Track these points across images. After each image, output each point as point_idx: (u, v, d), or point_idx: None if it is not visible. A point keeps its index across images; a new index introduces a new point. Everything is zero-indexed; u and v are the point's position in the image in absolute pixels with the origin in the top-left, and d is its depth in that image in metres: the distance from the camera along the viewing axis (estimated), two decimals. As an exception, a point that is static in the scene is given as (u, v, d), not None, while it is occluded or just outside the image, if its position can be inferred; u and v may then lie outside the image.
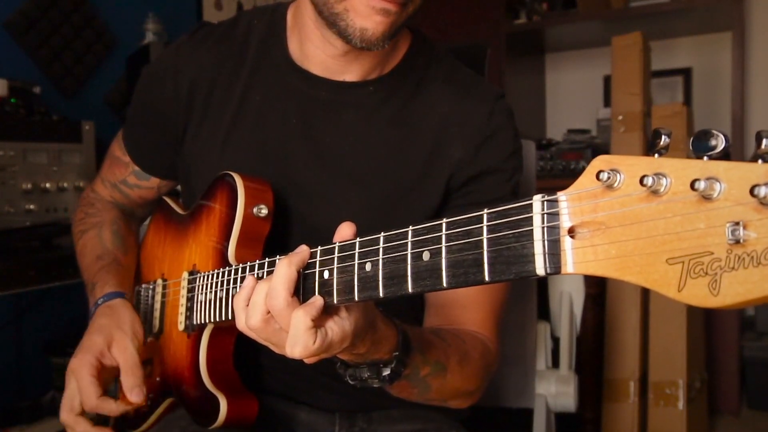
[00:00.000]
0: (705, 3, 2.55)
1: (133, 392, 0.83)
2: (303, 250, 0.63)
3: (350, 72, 0.89)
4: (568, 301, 2.51)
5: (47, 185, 1.60)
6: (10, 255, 1.34)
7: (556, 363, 2.23)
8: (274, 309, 0.61)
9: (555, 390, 2.03)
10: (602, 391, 2.13)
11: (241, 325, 0.66)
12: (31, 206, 1.56)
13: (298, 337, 0.59)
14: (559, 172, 2.51)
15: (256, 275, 0.72)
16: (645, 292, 2.16)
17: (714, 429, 2.39)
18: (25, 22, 2.10)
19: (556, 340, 2.33)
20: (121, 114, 2.39)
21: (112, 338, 0.86)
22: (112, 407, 0.84)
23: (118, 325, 0.88)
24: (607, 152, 2.48)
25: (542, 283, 2.49)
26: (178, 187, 1.09)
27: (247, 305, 0.65)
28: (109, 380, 0.88)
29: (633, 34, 2.23)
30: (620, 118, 2.22)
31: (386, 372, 0.71)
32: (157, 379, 0.96)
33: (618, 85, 2.25)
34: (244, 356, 0.91)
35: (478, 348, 0.85)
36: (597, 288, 2.07)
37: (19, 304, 2.02)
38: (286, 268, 0.61)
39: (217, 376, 0.85)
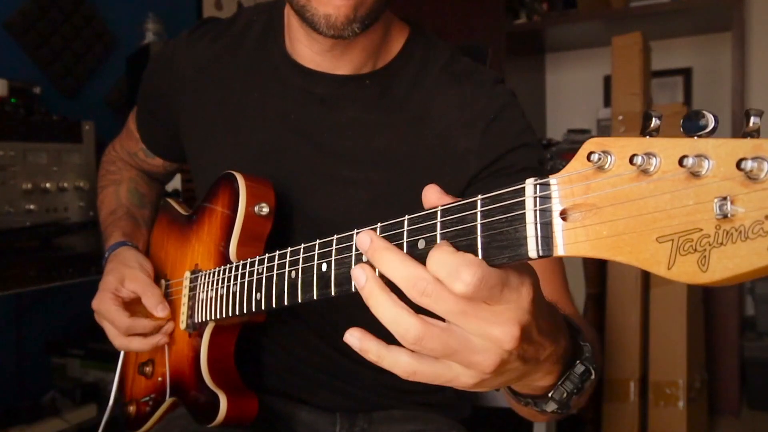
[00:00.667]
0: (705, 3, 2.55)
1: (158, 308, 0.90)
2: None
3: (341, 67, 0.89)
4: (568, 301, 2.51)
5: (47, 185, 1.59)
6: (10, 255, 1.34)
7: (556, 363, 2.24)
8: (427, 289, 0.45)
9: (555, 390, 2.03)
10: (602, 391, 2.13)
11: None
12: (31, 206, 1.56)
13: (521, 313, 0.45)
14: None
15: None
16: (645, 292, 2.16)
17: (714, 429, 2.39)
18: (25, 22, 2.10)
19: (556, 340, 2.34)
20: (121, 114, 2.39)
21: (122, 275, 0.92)
22: (144, 323, 0.90)
23: (125, 264, 0.94)
24: (607, 152, 2.48)
25: (542, 283, 2.49)
26: (180, 188, 1.10)
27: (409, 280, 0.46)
28: (132, 308, 0.93)
29: (633, 34, 2.23)
30: (620, 118, 2.22)
31: (586, 364, 0.55)
32: (159, 379, 0.96)
33: (618, 85, 2.25)
34: (245, 355, 0.91)
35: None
36: (597, 288, 2.07)
37: (19, 304, 2.02)
38: (391, 252, 0.48)
39: (217, 374, 0.85)
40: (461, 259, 0.44)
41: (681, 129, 0.37)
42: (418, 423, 0.95)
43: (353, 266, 0.52)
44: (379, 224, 0.55)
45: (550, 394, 0.56)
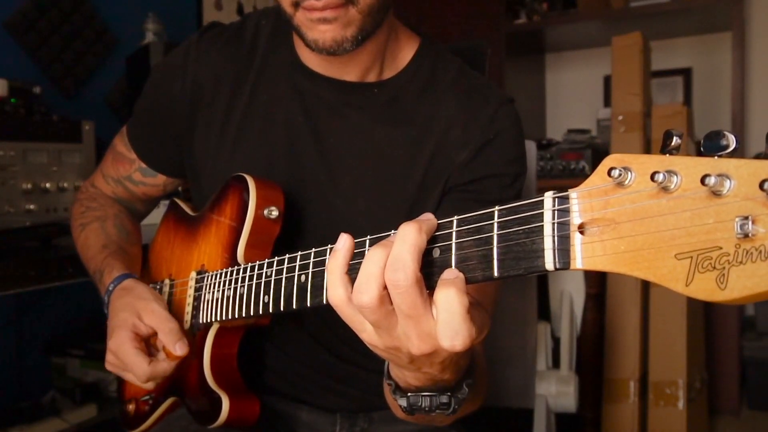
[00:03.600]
0: (705, 3, 2.55)
1: (177, 347, 0.82)
2: (431, 218, 0.52)
3: (349, 72, 0.89)
4: (569, 301, 2.51)
5: (47, 185, 1.59)
6: (10, 255, 1.34)
7: (556, 363, 2.23)
8: (398, 284, 0.48)
9: (555, 390, 2.03)
10: (602, 391, 2.13)
11: (337, 298, 0.53)
12: (31, 206, 1.56)
13: (458, 325, 0.48)
14: (559, 172, 2.51)
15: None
16: (645, 292, 2.16)
17: (714, 429, 2.39)
18: (25, 22, 2.10)
19: (556, 340, 2.33)
20: (121, 114, 2.39)
21: (137, 309, 0.85)
22: (164, 366, 0.83)
23: (139, 297, 0.87)
24: (606, 153, 2.48)
25: (543, 283, 2.49)
26: (179, 188, 1.09)
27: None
28: (150, 346, 0.86)
29: (633, 34, 2.23)
30: (620, 118, 2.23)
31: (453, 402, 0.61)
32: (159, 378, 0.96)
33: (618, 85, 2.25)
34: (246, 356, 0.91)
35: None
36: (597, 288, 2.07)
37: (19, 304, 2.02)
38: (416, 234, 0.49)
39: (220, 376, 0.85)
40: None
41: (701, 149, 0.38)
42: (417, 423, 0.95)
43: None
44: (392, 232, 0.54)
45: (408, 394, 0.62)
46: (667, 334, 2.11)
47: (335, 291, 0.53)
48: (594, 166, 2.59)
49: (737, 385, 2.47)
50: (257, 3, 3.08)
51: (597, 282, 2.08)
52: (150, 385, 0.84)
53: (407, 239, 0.48)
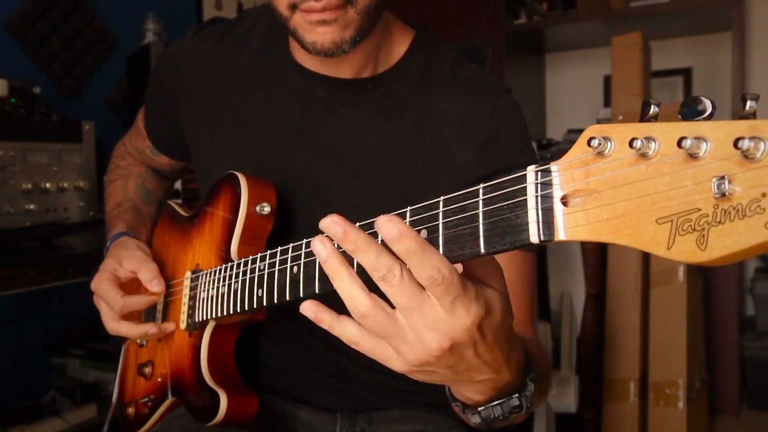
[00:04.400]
0: (705, 3, 2.55)
1: (152, 283, 0.90)
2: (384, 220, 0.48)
3: (343, 71, 0.89)
4: (569, 301, 2.51)
5: (47, 185, 1.59)
6: (10, 255, 1.34)
7: (556, 363, 2.24)
8: (390, 281, 0.48)
9: (555, 390, 2.03)
10: (602, 392, 2.13)
11: (351, 335, 0.53)
12: (31, 206, 1.56)
13: (460, 293, 0.47)
14: (559, 172, 2.51)
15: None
16: (645, 292, 2.16)
17: (714, 429, 2.39)
18: (25, 22, 2.10)
19: (556, 341, 2.34)
20: (121, 114, 2.39)
21: (120, 257, 0.93)
22: (139, 300, 0.91)
23: (125, 247, 0.95)
24: (607, 152, 2.48)
25: (543, 283, 2.49)
26: (179, 188, 1.10)
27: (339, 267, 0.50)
28: (131, 290, 0.93)
29: (633, 34, 2.23)
30: (620, 118, 2.22)
31: (524, 402, 0.59)
32: (158, 380, 0.96)
33: (618, 85, 2.25)
34: (245, 355, 0.91)
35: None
36: (597, 288, 2.07)
37: (19, 304, 2.02)
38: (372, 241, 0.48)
39: (217, 373, 0.86)
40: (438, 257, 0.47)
41: (679, 115, 0.38)
42: (418, 423, 0.95)
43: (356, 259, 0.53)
44: (381, 216, 0.55)
45: (479, 409, 0.59)
46: (667, 334, 2.11)
47: (346, 328, 0.53)
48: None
49: (737, 385, 2.47)
50: (257, 2, 3.08)
51: (597, 282, 2.08)
52: (126, 329, 0.90)
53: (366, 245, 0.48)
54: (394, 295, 0.48)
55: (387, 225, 0.47)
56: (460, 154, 0.87)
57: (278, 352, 0.97)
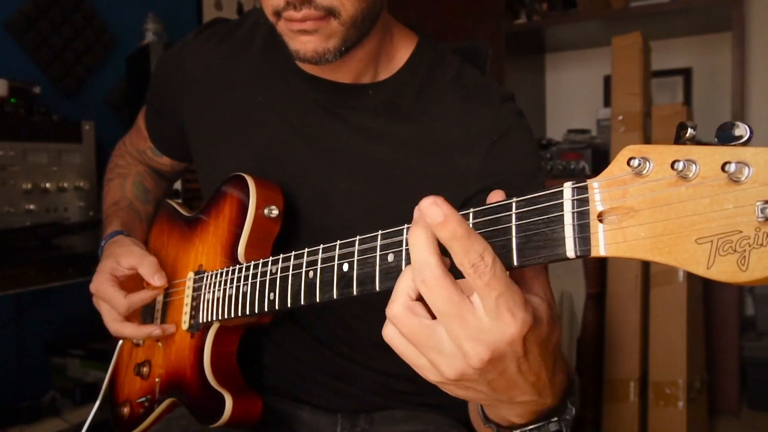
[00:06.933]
0: (705, 3, 2.55)
1: (155, 277, 0.90)
2: (427, 204, 0.47)
3: (343, 75, 0.88)
4: (569, 301, 2.51)
5: (47, 185, 1.60)
6: (10, 255, 1.34)
7: (556, 363, 2.23)
8: (426, 281, 0.46)
9: (555, 390, 2.02)
10: (602, 392, 2.13)
11: (390, 334, 0.50)
12: (31, 206, 1.56)
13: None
14: (559, 172, 2.51)
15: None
16: (645, 292, 2.16)
17: (714, 429, 2.39)
18: (25, 22, 2.10)
19: (556, 340, 2.33)
20: (121, 114, 2.39)
21: (117, 255, 0.92)
22: (142, 296, 0.90)
23: (121, 245, 0.95)
24: (606, 153, 2.48)
25: (542, 283, 2.49)
26: (179, 188, 1.10)
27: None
28: (131, 288, 0.93)
29: (633, 34, 2.23)
30: (620, 118, 2.22)
31: (563, 427, 0.56)
32: (156, 380, 0.96)
33: (618, 85, 2.25)
34: (246, 356, 0.91)
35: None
36: (597, 288, 2.07)
37: (19, 304, 2.02)
38: (422, 232, 0.46)
39: (221, 375, 0.85)
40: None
41: (716, 138, 0.40)
42: (418, 423, 0.95)
43: (377, 265, 0.55)
44: (405, 226, 0.55)
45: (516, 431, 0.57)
46: (667, 334, 2.11)
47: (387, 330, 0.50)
48: (594, 166, 2.59)
49: (737, 385, 2.47)
50: (257, 2, 3.07)
51: (597, 282, 2.08)
52: (129, 331, 0.90)
53: (416, 240, 0.47)
54: (433, 296, 0.46)
55: (432, 207, 0.45)
56: (463, 160, 0.85)
57: (279, 353, 0.96)
